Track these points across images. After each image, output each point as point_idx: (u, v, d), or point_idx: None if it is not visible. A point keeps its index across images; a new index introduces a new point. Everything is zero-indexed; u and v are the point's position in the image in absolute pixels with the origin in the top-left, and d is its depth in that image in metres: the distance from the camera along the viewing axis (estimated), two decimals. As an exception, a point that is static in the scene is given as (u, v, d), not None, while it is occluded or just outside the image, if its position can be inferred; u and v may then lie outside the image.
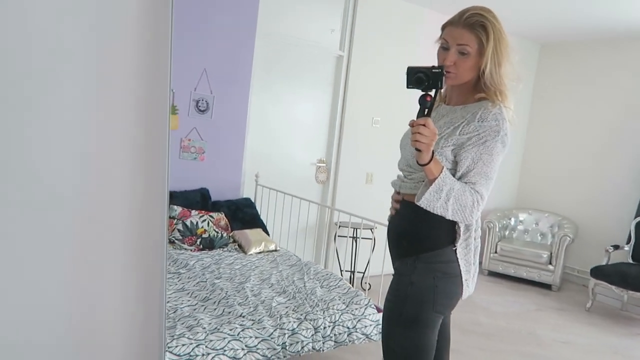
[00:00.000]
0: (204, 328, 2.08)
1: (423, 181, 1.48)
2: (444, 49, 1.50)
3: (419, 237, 1.53)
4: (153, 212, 0.82)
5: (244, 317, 2.24)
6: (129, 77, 0.80)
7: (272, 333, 2.18)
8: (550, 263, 4.86)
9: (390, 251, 1.70)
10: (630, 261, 4.47)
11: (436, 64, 1.51)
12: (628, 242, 4.55)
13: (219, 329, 2.10)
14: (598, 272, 4.33)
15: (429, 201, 1.40)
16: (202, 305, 2.35)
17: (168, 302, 2.34)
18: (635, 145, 4.80)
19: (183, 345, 1.96)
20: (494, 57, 1.44)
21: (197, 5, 3.46)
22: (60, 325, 0.87)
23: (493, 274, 5.18)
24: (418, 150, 1.35)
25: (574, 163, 5.30)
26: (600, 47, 5.08)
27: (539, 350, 3.41)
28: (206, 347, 2.00)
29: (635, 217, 4.56)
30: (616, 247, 4.48)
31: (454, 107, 1.55)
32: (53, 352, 0.87)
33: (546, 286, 4.94)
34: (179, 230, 3.27)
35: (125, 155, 0.81)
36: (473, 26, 1.44)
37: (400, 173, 1.65)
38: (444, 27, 1.53)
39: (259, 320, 2.23)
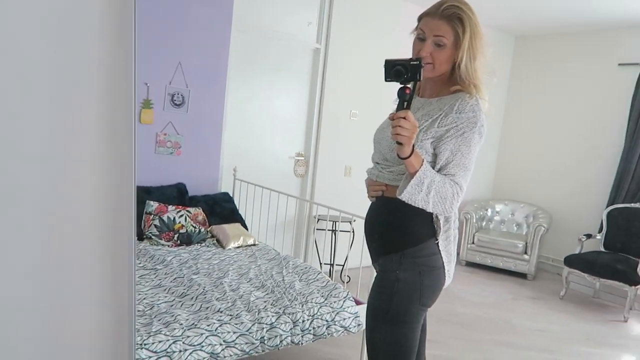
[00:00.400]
0: (181, 324, 2.06)
1: (402, 174, 1.48)
2: (420, 39, 1.50)
3: (403, 232, 1.53)
4: (120, 208, 0.80)
5: (221, 312, 2.23)
6: (93, 72, 0.78)
7: (250, 328, 2.18)
8: (526, 253, 4.96)
9: (370, 248, 1.68)
10: (602, 249, 4.59)
11: (413, 56, 1.51)
12: (600, 231, 4.67)
13: (196, 325, 2.09)
14: (571, 261, 4.43)
15: (410, 194, 1.40)
16: (179, 301, 2.33)
17: (144, 298, 2.32)
18: (607, 136, 4.91)
19: (160, 341, 1.94)
20: (469, 50, 1.45)
21: (172, -3, 3.41)
22: (28, 324, 0.85)
23: (470, 264, 5.26)
24: (399, 143, 1.35)
25: (549, 154, 5.40)
26: (574, 39, 5.18)
27: (514, 338, 3.49)
28: (183, 343, 1.99)
29: (607, 207, 4.68)
30: (589, 236, 4.60)
31: (428, 100, 1.55)
32: (21, 349, 0.85)
33: (522, 275, 5.04)
34: (155, 226, 3.23)
35: (90, 151, 0.79)
36: (450, 18, 1.44)
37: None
38: (420, 18, 1.52)
39: (237, 315, 2.22)
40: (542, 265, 5.38)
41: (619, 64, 4.79)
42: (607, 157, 4.90)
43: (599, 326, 3.92)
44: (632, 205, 4.49)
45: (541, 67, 5.48)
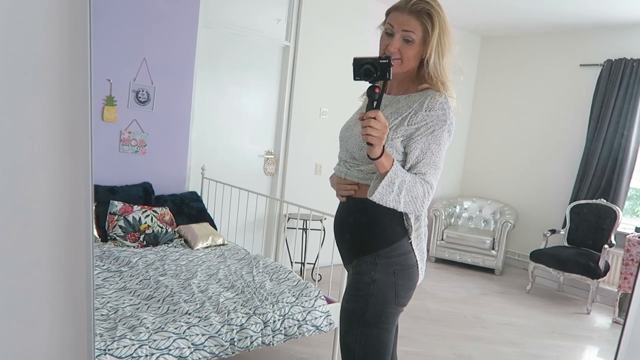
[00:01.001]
0: (147, 328, 2.00)
1: (372, 173, 1.45)
2: (387, 34, 1.46)
3: (377, 233, 1.50)
4: (76, 209, 0.75)
5: (189, 314, 2.17)
6: (44, 66, 0.72)
7: (219, 329, 2.12)
8: (493, 248, 5.05)
9: (341, 250, 1.63)
10: (566, 244, 4.72)
11: (380, 52, 1.48)
12: (564, 226, 4.79)
13: (163, 328, 2.02)
14: (537, 256, 4.54)
15: (381, 195, 1.38)
16: (146, 304, 2.26)
17: (108, 302, 2.23)
18: (571, 134, 5.05)
19: (125, 346, 1.87)
20: (438, 47, 1.43)
21: (135, -10, 3.30)
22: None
23: (440, 260, 5.32)
24: (369, 144, 1.32)
25: (515, 152, 5.51)
26: (538, 40, 5.30)
27: (483, 333, 3.54)
28: (150, 347, 1.92)
29: (570, 203, 4.81)
30: (553, 231, 4.71)
31: (396, 97, 1.52)
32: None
33: (490, 270, 5.14)
34: (120, 227, 3.13)
35: (43, 149, 0.74)
36: (419, 13, 1.41)
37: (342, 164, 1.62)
38: (388, 13, 1.49)
39: (205, 317, 2.16)
40: (509, 261, 5.50)
41: (581, 65, 4.93)
42: (570, 155, 5.04)
43: (564, 319, 4.03)
44: (594, 201, 4.63)
45: (507, 67, 5.60)
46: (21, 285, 0.80)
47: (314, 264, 4.26)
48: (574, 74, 5.01)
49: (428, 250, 5.28)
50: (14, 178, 0.77)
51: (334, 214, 1.68)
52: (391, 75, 1.32)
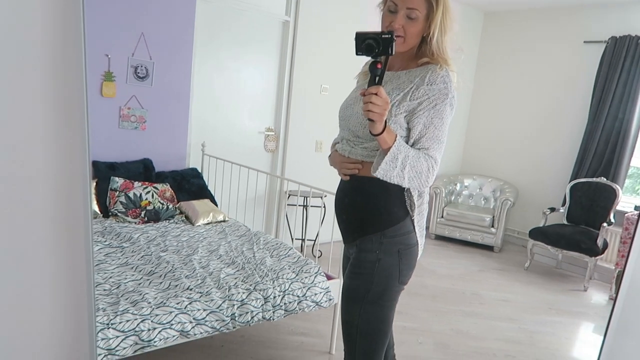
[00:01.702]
0: (149, 303, 2.02)
1: (376, 150, 1.45)
2: (390, 12, 1.45)
3: (382, 212, 1.50)
4: (74, 187, 0.75)
5: (191, 289, 2.19)
6: (38, 41, 0.71)
7: (220, 305, 2.15)
8: (493, 226, 5.08)
9: (344, 229, 1.62)
10: (565, 222, 4.74)
11: (383, 30, 1.46)
12: (563, 204, 4.81)
13: (165, 303, 2.05)
14: (536, 234, 4.56)
15: (385, 171, 1.38)
16: (147, 280, 2.28)
17: (111, 277, 2.25)
18: (573, 112, 5.02)
19: (127, 321, 1.90)
20: (441, 24, 1.42)
21: (133, -37, 3.23)
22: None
23: (440, 237, 5.36)
24: (371, 120, 1.31)
25: (516, 130, 5.49)
26: (541, 15, 5.22)
27: (481, 309, 3.58)
28: (152, 321, 1.95)
29: (570, 181, 4.81)
30: (552, 209, 4.73)
31: (397, 73, 1.51)
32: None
33: (489, 248, 5.17)
34: (121, 203, 3.14)
35: (38, 126, 0.73)
36: None
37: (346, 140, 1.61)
38: None
39: (206, 292, 2.19)
40: (508, 238, 5.53)
41: (585, 42, 4.87)
42: (572, 133, 5.02)
43: (561, 295, 4.07)
44: (594, 180, 4.63)
45: (509, 43, 5.53)
46: (20, 265, 0.81)
47: (315, 241, 4.29)
48: (577, 51, 4.95)
49: (428, 228, 5.31)
50: (11, 157, 0.76)
51: (334, 191, 1.68)
52: (394, 51, 1.30)
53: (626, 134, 4.52)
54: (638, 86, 4.46)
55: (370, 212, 1.52)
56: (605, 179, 4.56)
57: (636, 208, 4.23)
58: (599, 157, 4.73)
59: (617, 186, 4.47)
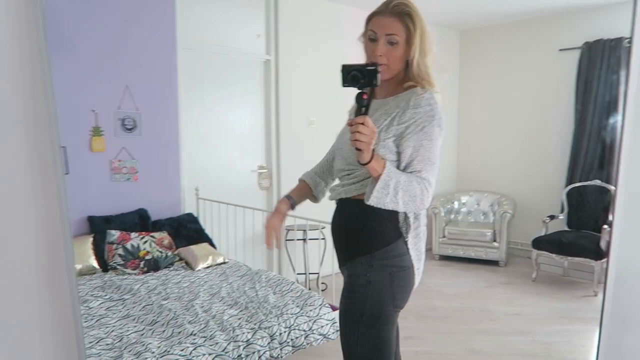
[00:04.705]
0: (153, 352, 1.99)
1: (367, 177, 1.45)
2: (371, 40, 1.48)
3: (371, 234, 1.50)
4: (54, 244, 0.75)
5: (195, 335, 2.16)
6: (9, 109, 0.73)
7: (225, 347, 2.11)
8: (495, 240, 5.05)
9: (338, 253, 1.64)
10: (566, 228, 4.72)
11: (365, 60, 1.50)
12: (562, 211, 4.80)
13: (169, 351, 2.01)
14: (538, 243, 4.53)
15: (378, 199, 1.38)
16: (150, 329, 2.25)
17: (112, 330, 2.22)
18: (559, 118, 5.07)
19: (132, 374, 1.86)
20: (421, 46, 1.46)
21: (110, 18, 3.31)
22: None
23: (444, 257, 5.31)
24: (358, 149, 1.32)
25: (506, 142, 5.53)
26: (516, 28, 5.34)
27: (492, 325, 3.52)
28: (157, 372, 1.91)
29: (566, 187, 4.82)
30: (552, 217, 4.72)
31: (385, 99, 1.54)
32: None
33: (494, 263, 5.13)
34: (119, 255, 3.12)
35: (16, 189, 0.74)
36: (401, 15, 1.44)
37: (337, 181, 1.63)
38: (369, 19, 1.51)
39: (210, 336, 2.15)
40: (512, 251, 5.49)
41: (560, 49, 4.98)
42: (560, 139, 5.06)
43: (571, 303, 4.02)
44: (588, 183, 4.64)
45: (488, 59, 5.64)
46: (6, 322, 0.80)
47: (318, 274, 4.25)
48: (554, 59, 5.05)
49: (430, 249, 5.27)
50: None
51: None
52: (378, 82, 1.34)
53: (614, 135, 4.56)
54: (618, 85, 4.54)
55: (360, 234, 1.52)
56: (599, 181, 4.57)
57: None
58: (590, 159, 4.76)
59: (613, 187, 4.47)
